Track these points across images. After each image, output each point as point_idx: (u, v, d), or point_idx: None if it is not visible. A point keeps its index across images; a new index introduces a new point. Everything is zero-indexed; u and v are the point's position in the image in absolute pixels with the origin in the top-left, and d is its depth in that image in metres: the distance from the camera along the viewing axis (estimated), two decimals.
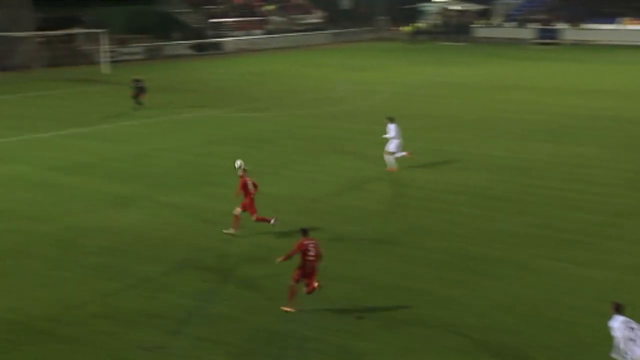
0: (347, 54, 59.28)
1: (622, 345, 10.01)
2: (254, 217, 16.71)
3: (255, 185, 16.77)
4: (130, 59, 53.86)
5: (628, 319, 10.21)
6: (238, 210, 16.68)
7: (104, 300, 13.44)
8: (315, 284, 13.15)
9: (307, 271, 13.15)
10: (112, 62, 49.09)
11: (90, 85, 39.71)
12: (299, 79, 44.19)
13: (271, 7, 68.40)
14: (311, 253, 13.17)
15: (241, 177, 16.66)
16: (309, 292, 13.17)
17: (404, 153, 22.09)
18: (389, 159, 22.05)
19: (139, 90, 33.35)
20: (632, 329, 10.13)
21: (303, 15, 69.76)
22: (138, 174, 22.19)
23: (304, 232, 13.35)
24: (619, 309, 10.27)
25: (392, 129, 21.94)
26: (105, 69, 46.87)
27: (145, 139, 27.13)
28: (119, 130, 28.88)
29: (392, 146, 21.92)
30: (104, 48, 47.45)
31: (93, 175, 21.89)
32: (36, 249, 15.87)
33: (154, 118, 31.55)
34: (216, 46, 60.85)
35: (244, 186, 16.60)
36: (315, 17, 70.49)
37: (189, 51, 58.83)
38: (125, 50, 54.52)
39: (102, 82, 43.18)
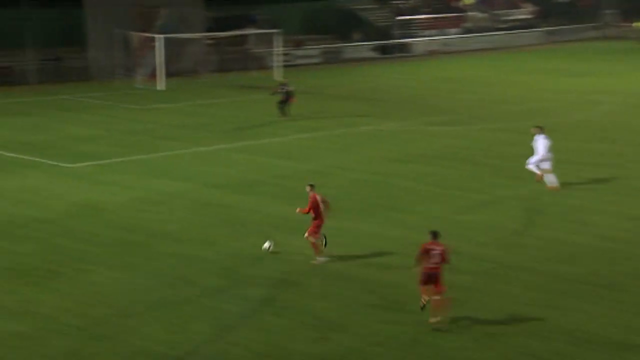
0: (563, 56, 57.60)
1: None
2: (309, 237, 16.78)
3: (325, 203, 16.84)
4: (305, 63, 55.47)
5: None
6: (311, 237, 16.81)
7: (269, 339, 13.58)
8: (436, 297, 13.61)
9: (426, 279, 13.72)
10: (285, 66, 50.85)
11: (261, 93, 41.12)
12: (501, 87, 43.49)
13: (470, 1, 67.04)
14: (434, 260, 13.69)
15: (311, 194, 16.85)
16: (435, 305, 13.58)
17: (537, 171, 22.07)
18: (548, 178, 22.06)
19: (287, 96, 34.12)
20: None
21: (509, 11, 67.75)
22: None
23: (434, 234, 13.93)
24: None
25: (540, 141, 22.06)
26: (277, 74, 48.56)
27: (319, 155, 27.61)
28: (290, 143, 29.64)
29: (534, 159, 22.19)
30: (278, 51, 49.19)
31: (260, 195, 22.42)
32: (196, 277, 16.33)
33: (329, 130, 32.12)
34: (403, 48, 61.05)
35: (315, 204, 16.76)
36: (524, 13, 68.22)
37: (371, 54, 59.52)
38: (300, 53, 56.27)
39: (271, 88, 44.70)
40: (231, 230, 19.25)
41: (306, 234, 17.04)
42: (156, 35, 44.12)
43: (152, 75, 44.53)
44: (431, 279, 13.77)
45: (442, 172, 25.07)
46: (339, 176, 24.69)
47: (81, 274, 16.25)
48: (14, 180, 23.46)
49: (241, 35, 52.43)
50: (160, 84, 43.56)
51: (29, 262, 16.85)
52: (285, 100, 34.29)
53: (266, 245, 17.58)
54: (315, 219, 16.87)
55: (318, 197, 16.97)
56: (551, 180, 22.12)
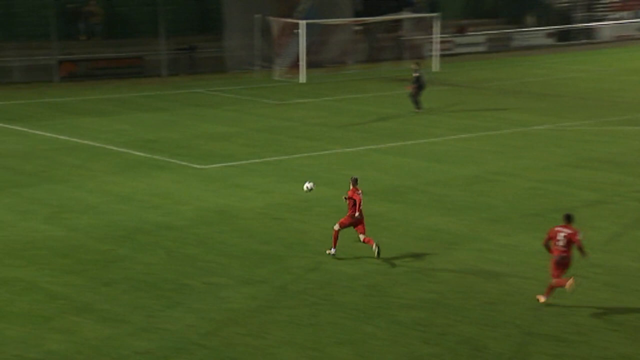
0: None
1: None
2: (337, 227, 18.21)
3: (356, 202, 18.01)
4: (468, 52, 55.17)
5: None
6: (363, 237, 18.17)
7: None
8: (566, 283, 15.30)
9: (556, 263, 15.39)
10: (444, 55, 50.64)
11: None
12: None
13: None
14: (560, 243, 15.28)
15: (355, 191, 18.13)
16: (555, 286, 15.53)
17: None
18: None
19: (418, 85, 35.27)
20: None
21: None
22: (469, 205, 22.38)
23: (567, 218, 15.49)
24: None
25: None
26: (435, 65, 48.46)
27: (479, 158, 27.55)
28: (447, 145, 29.71)
29: None
30: (436, 38, 49.07)
31: (410, 203, 22.56)
32: (338, 295, 16.53)
33: (493, 130, 31.97)
34: (587, 33, 59.52)
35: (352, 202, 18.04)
36: None
37: (548, 40, 58.41)
38: (463, 40, 55.92)
39: (429, 82, 44.67)
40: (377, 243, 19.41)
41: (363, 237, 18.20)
42: (298, 21, 45.06)
43: (293, 66, 45.45)
44: (558, 263, 15.48)
45: (632, 181, 24.24)
46: (504, 184, 24.43)
47: (211, 288, 16.76)
48: (141, 182, 24.52)
49: (394, 21, 52.66)
50: (302, 76, 44.41)
51: (156, 273, 17.53)
52: (418, 89, 35.35)
53: (307, 185, 18.85)
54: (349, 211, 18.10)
55: (354, 194, 18.07)
56: None
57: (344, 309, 15.86)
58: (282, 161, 27.32)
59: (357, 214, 18.12)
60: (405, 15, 52.17)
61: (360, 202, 18.16)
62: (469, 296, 16.45)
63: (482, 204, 22.47)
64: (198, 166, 26.41)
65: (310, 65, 45.40)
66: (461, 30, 56.51)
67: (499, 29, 58.16)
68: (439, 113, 36.04)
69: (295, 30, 44.97)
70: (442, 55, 49.73)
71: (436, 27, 48.93)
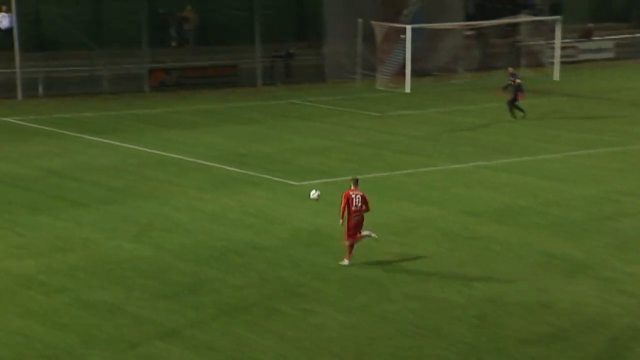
0: None
1: None
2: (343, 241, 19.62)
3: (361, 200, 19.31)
4: (593, 59, 54.41)
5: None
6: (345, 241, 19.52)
7: None
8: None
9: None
10: (566, 63, 50.00)
11: (535, 98, 40.95)
12: None
13: None
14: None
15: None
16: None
17: None
18: None
19: (516, 91, 36.39)
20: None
21: None
22: (592, 228, 22.13)
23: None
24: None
25: None
26: (556, 73, 47.88)
27: (603, 177, 27.33)
28: (566, 162, 29.55)
29: None
30: (558, 43, 48.53)
31: (524, 226, 22.34)
32: (442, 326, 16.45)
33: (620, 146, 31.72)
34: None
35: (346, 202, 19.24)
36: None
37: None
38: (587, 46, 55.11)
39: (549, 92, 44.21)
40: (487, 269, 19.28)
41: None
42: (404, 26, 45.25)
43: (398, 75, 45.59)
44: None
45: None
46: (631, 205, 24.09)
47: (306, 314, 16.88)
48: (232, 199, 24.91)
49: (510, 25, 52.29)
50: (407, 85, 44.56)
51: (246, 297, 17.75)
52: (515, 96, 36.33)
53: (314, 195, 20.50)
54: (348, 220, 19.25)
55: (351, 195, 19.26)
56: None
57: (451, 341, 15.75)
58: (384, 178, 27.46)
59: (340, 221, 19.41)
60: (522, 18, 51.60)
61: (353, 202, 19.22)
62: (591, 331, 16.18)
63: (606, 227, 22.18)
64: (293, 182, 26.75)
65: (416, 73, 45.53)
66: (586, 35, 55.74)
67: (629, 34, 57.15)
68: (558, 126, 35.70)
69: (402, 36, 45.17)
70: (563, 63, 49.17)
71: (558, 32, 48.48)
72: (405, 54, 44.61)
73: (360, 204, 19.31)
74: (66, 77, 42.47)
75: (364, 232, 19.59)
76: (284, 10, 49.85)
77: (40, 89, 42.09)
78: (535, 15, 53.16)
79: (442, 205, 24.14)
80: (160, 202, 24.54)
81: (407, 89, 44.44)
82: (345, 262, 19.42)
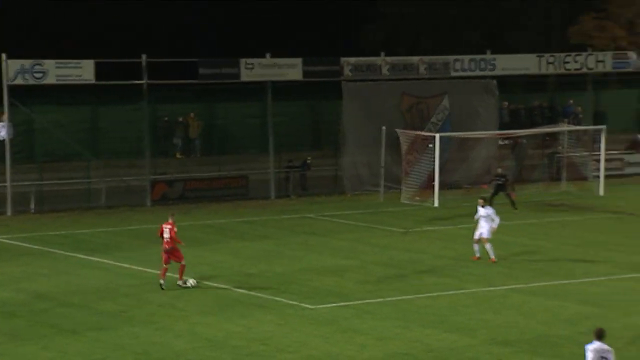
0: None
1: None
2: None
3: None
4: None
5: (603, 347, 16.99)
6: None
7: None
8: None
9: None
10: (611, 176, 50.17)
11: (573, 214, 41.67)
12: None
13: None
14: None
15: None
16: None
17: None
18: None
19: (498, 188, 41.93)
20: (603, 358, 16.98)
21: None
22: None
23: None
24: (599, 336, 17.21)
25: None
26: (599, 188, 47.99)
27: None
28: (610, 286, 29.74)
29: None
30: (602, 155, 48.90)
31: (564, 358, 22.27)
32: None
33: None
34: None
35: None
36: None
37: None
38: (634, 159, 55.20)
39: (592, 209, 44.35)
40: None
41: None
42: (432, 134, 45.85)
43: (425, 188, 45.86)
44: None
45: None
46: None
47: None
48: (238, 324, 24.80)
49: (549, 134, 52.65)
50: (435, 199, 44.84)
51: None
52: (496, 192, 41.70)
53: (191, 282, 28.39)
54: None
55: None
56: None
57: None
58: (406, 301, 27.43)
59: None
60: (562, 127, 52.00)
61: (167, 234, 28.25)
62: None
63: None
64: (305, 306, 26.73)
65: (445, 186, 45.88)
66: (633, 146, 55.98)
67: None
68: (601, 246, 35.74)
69: (429, 145, 45.62)
70: (608, 177, 49.28)
71: (602, 142, 48.84)
72: (433, 164, 45.05)
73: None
74: (60, 191, 42.93)
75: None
76: (299, 116, 50.39)
77: (32, 204, 42.52)
78: (575, 124, 53.62)
79: (471, 333, 24.03)
80: (158, 328, 24.49)
81: (435, 203, 44.73)
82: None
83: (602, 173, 48.60)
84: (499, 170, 43.93)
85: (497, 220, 33.03)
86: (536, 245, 36.02)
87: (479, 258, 32.84)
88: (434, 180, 45.11)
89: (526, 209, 44.13)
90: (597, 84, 56.28)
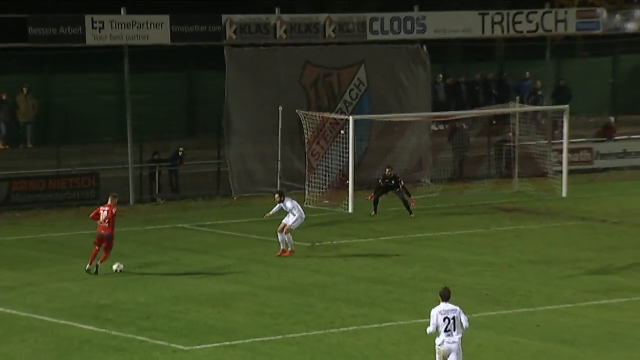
0: None
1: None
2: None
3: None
4: (617, 167, 55.58)
5: (447, 308, 21.84)
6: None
7: None
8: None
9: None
10: (577, 172, 50.76)
11: (529, 222, 42.08)
12: None
13: None
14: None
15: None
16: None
17: None
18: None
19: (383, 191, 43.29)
20: (447, 319, 21.70)
21: None
22: None
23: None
24: (445, 297, 22.00)
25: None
26: (562, 187, 48.43)
27: (632, 339, 27.35)
28: (579, 315, 29.72)
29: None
30: (565, 145, 49.32)
31: None
32: None
33: None
34: None
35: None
36: None
37: None
38: (608, 148, 55.86)
39: (554, 215, 44.92)
40: None
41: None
42: (346, 117, 45.91)
43: (336, 188, 45.86)
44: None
45: None
46: None
47: None
48: None
49: (498, 117, 52.95)
50: (350, 203, 44.79)
51: None
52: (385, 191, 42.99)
53: (116, 267, 33.04)
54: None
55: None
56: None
57: None
58: (314, 339, 27.28)
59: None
60: (515, 108, 51.99)
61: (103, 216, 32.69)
62: None
63: None
64: (178, 347, 26.35)
65: (363, 185, 45.85)
66: (607, 133, 56.55)
67: None
68: (568, 264, 35.95)
69: (342, 131, 45.58)
70: (574, 172, 49.81)
71: (565, 128, 49.26)
72: (347, 157, 45.16)
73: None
74: None
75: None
76: (167, 93, 50.10)
77: None
78: (533, 104, 53.89)
79: None
80: None
81: (350, 208, 44.75)
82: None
83: (565, 168, 49.03)
84: (387, 172, 43.84)
85: (297, 216, 36.34)
86: (483, 262, 36.18)
87: (287, 252, 36.46)
88: (348, 179, 45.14)
89: (468, 215, 44.31)
90: (558, 51, 56.80)
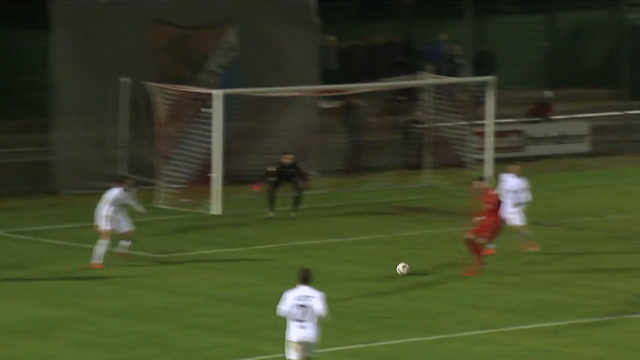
0: None
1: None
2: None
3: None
4: (552, 155, 56.55)
5: (302, 294, 23.93)
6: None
7: None
8: None
9: None
10: (504, 160, 51.05)
11: (442, 224, 42.93)
12: None
13: None
14: None
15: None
16: None
17: None
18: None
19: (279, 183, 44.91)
20: (303, 307, 23.56)
21: None
22: None
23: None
24: (304, 278, 24.23)
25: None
26: (481, 173, 48.73)
27: None
28: (497, 342, 30.16)
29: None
30: (489, 127, 49.96)
31: None
32: None
33: (589, 317, 32.67)
34: None
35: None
36: None
37: None
38: (542, 130, 56.94)
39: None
40: None
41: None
42: (210, 91, 46.00)
43: (197, 183, 45.81)
44: None
45: None
46: None
47: None
48: None
49: (405, 91, 53.30)
50: (215, 202, 45.11)
51: None
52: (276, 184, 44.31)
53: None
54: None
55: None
56: None
57: None
58: None
59: None
60: (426, 80, 52.24)
61: None
62: None
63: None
64: None
65: (231, 178, 46.13)
66: (541, 111, 57.14)
67: (619, 110, 59.55)
68: (485, 279, 36.33)
69: (204, 109, 45.69)
70: (499, 161, 50.18)
71: (489, 104, 49.76)
72: (210, 143, 45.21)
73: None
74: None
75: None
76: None
77: None
78: (449, 74, 54.31)
79: None
80: None
81: (216, 209, 45.09)
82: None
83: (489, 155, 49.61)
84: (286, 160, 44.94)
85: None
86: (381, 276, 36.41)
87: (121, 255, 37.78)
88: (212, 170, 45.39)
89: (365, 216, 44.50)
90: (479, 7, 57.27)
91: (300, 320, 23.29)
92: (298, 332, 23.36)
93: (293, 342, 23.36)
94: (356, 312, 32.42)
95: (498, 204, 35.63)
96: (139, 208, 37.97)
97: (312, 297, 23.48)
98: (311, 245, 40.80)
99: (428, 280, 35.96)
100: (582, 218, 45.41)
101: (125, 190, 37.34)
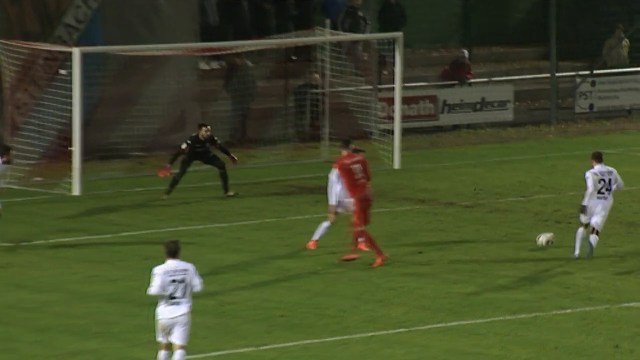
0: None
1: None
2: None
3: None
4: (469, 124, 57.24)
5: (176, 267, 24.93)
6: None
7: None
8: None
9: None
10: (415, 131, 51.43)
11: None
12: None
13: None
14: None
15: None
16: None
17: None
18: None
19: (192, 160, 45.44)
20: (175, 281, 24.74)
21: None
22: None
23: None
24: (172, 252, 24.96)
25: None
26: (394, 154, 48.88)
27: None
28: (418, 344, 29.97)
29: None
30: (397, 91, 50.15)
31: None
32: None
33: (522, 312, 32.92)
34: None
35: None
36: None
37: None
38: (457, 96, 56.99)
39: (380, 196, 45.13)
40: None
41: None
42: (67, 49, 45.86)
43: (54, 157, 45.44)
44: None
45: None
46: None
47: None
48: None
49: (300, 49, 53.37)
50: (74, 182, 45.12)
51: None
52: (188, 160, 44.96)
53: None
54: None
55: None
56: None
57: None
58: None
59: None
60: (323, 37, 52.34)
61: None
62: None
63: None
64: None
65: (93, 152, 46.17)
66: (457, 73, 57.34)
67: (546, 72, 59.91)
68: (395, 270, 36.50)
69: (61, 70, 45.25)
70: (409, 132, 50.22)
71: (397, 65, 49.85)
72: (71, 111, 44.95)
73: None
74: None
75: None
76: None
77: None
78: (352, 30, 54.34)
79: None
80: None
81: (75, 189, 45.07)
82: None
83: (398, 125, 49.82)
84: (203, 132, 44.77)
85: None
86: (274, 268, 36.65)
87: None
88: (71, 144, 45.26)
89: (252, 197, 44.51)
90: None
91: (173, 297, 24.28)
92: (171, 311, 24.38)
93: (162, 322, 24.35)
94: (244, 309, 32.39)
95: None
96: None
97: (186, 270, 24.48)
98: (191, 231, 40.79)
99: (329, 272, 35.93)
100: (505, 198, 45.77)
101: (5, 162, 37.12)
